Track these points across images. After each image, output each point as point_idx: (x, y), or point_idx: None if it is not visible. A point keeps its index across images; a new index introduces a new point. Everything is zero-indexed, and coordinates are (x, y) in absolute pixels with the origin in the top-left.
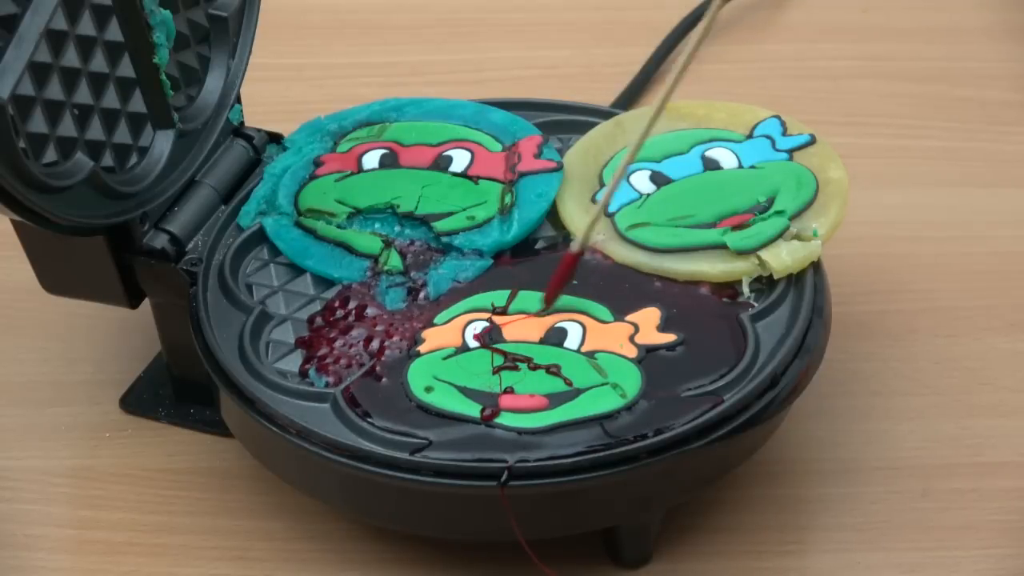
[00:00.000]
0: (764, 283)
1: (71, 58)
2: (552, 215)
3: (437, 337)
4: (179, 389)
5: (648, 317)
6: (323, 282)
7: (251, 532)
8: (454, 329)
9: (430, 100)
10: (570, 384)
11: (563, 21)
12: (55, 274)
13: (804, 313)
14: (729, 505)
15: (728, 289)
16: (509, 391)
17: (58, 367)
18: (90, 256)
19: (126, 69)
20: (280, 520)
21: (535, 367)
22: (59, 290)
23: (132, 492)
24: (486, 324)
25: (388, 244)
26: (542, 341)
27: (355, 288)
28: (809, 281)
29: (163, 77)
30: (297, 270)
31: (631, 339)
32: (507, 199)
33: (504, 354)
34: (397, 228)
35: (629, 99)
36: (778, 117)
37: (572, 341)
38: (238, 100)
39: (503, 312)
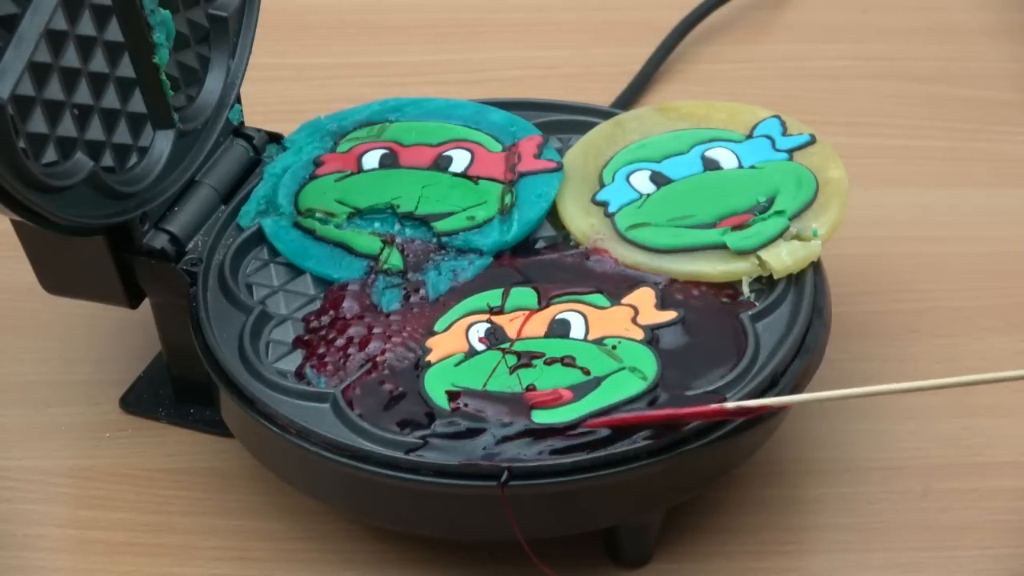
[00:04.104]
0: (764, 283)
1: (71, 58)
2: (552, 215)
3: (443, 345)
4: (179, 389)
5: (644, 297)
6: (323, 282)
7: (251, 532)
8: (457, 334)
9: (430, 100)
10: (588, 373)
11: (563, 21)
12: (55, 274)
13: (804, 313)
14: (729, 505)
15: (728, 289)
16: (531, 388)
17: (58, 367)
18: (90, 256)
19: (126, 69)
20: (280, 520)
21: (550, 361)
22: (59, 290)
23: (132, 492)
24: (488, 325)
25: (389, 242)
26: (547, 335)
27: (351, 288)
28: (809, 281)
29: (163, 77)
30: (297, 270)
31: (634, 321)
32: (507, 199)
33: (516, 353)
34: (397, 228)
35: (629, 99)
36: (778, 117)
37: (577, 331)
38: (238, 100)
39: (500, 311)
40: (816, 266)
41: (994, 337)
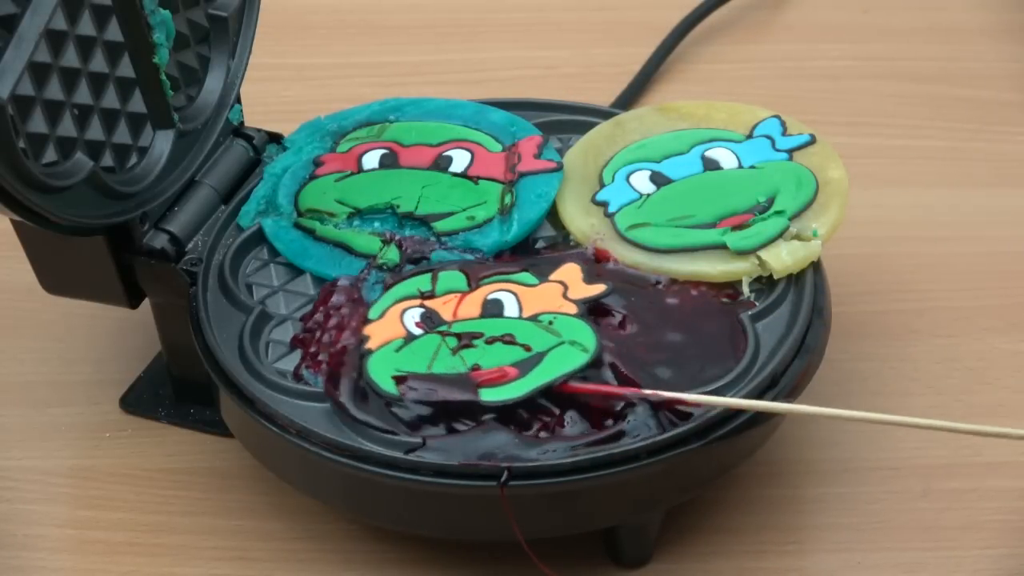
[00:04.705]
0: (764, 283)
1: (71, 58)
2: (552, 215)
3: (380, 331)
4: (179, 389)
5: (571, 272)
6: (323, 282)
7: (251, 532)
8: (393, 320)
9: (430, 100)
10: (529, 350)
11: (563, 21)
12: (55, 274)
13: (804, 313)
14: (729, 505)
15: (728, 289)
16: (476, 368)
17: (58, 367)
18: (90, 256)
19: (126, 69)
20: (280, 520)
21: (491, 340)
22: (59, 290)
23: (132, 492)
24: (422, 310)
25: (388, 240)
26: (482, 315)
27: (340, 284)
28: (809, 281)
29: (163, 77)
30: (297, 270)
31: (565, 296)
32: (507, 199)
33: (456, 335)
34: (397, 228)
35: (629, 99)
36: (778, 117)
37: (510, 310)
38: (238, 100)
39: (432, 295)
40: (816, 266)
41: (994, 337)
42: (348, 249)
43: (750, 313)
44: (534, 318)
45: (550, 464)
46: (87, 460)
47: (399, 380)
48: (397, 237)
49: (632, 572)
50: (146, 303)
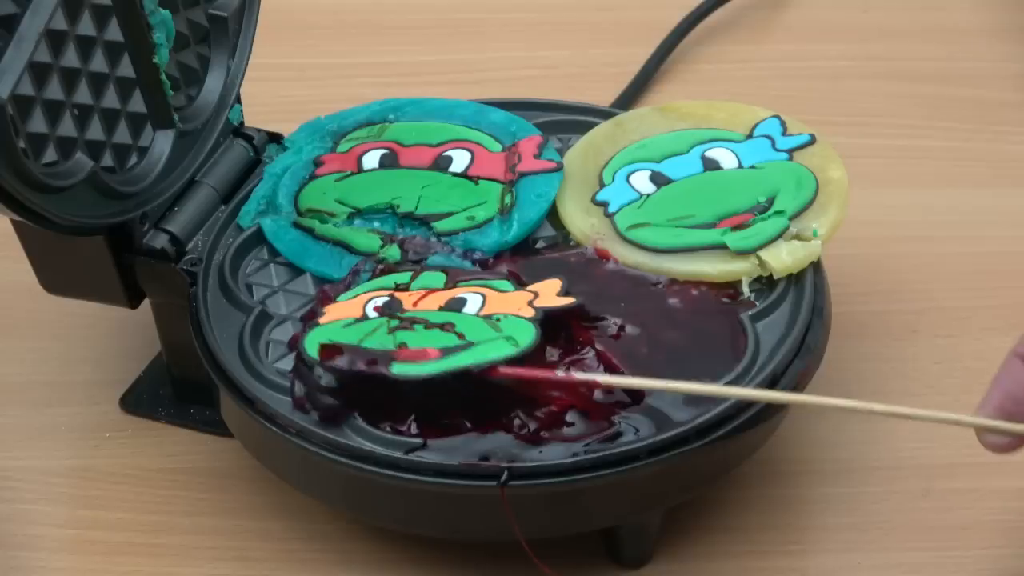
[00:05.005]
0: (764, 283)
1: (71, 58)
2: (552, 215)
3: (338, 310)
4: (179, 389)
5: (549, 286)
6: (323, 282)
7: (251, 532)
8: (355, 304)
9: (430, 100)
10: (463, 338)
11: (563, 21)
12: (55, 274)
13: (804, 313)
14: (729, 505)
15: (728, 289)
16: (402, 347)
17: (58, 367)
18: (90, 256)
19: (126, 69)
20: (280, 520)
21: (430, 327)
22: (59, 290)
23: (132, 492)
24: (386, 299)
25: (390, 240)
26: (440, 310)
27: (333, 284)
28: (809, 281)
29: (163, 77)
30: (297, 270)
31: (530, 303)
32: (507, 199)
33: (400, 319)
34: (397, 228)
35: (629, 99)
36: (778, 117)
37: (471, 308)
38: (238, 100)
39: (405, 289)
40: (816, 266)
41: (994, 337)
42: (348, 248)
43: (750, 313)
44: (487, 316)
45: (550, 464)
46: (87, 460)
47: (323, 348)
48: (400, 237)
49: (632, 572)
50: (146, 303)
